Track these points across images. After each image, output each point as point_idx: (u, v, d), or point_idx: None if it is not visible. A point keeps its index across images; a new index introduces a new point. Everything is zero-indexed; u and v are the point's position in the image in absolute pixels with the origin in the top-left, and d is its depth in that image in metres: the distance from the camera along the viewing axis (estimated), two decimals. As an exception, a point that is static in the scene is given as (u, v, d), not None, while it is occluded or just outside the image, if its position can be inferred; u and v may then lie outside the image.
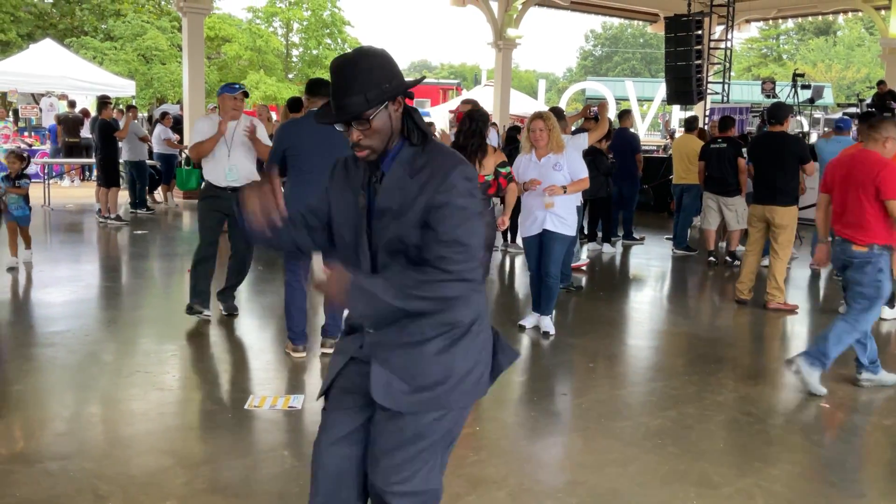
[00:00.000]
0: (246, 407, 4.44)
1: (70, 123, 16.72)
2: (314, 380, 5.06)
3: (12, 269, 7.94)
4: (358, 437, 2.23)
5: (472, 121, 5.74)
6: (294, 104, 9.36)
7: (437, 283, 2.04)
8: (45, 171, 14.38)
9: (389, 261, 2.13)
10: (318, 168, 5.14)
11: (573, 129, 8.54)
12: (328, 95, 5.64)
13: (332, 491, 2.24)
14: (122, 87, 19.94)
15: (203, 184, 6.24)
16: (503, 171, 5.79)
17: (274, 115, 13.51)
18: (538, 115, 6.11)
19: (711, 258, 9.65)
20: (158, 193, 14.40)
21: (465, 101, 6.30)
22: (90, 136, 15.38)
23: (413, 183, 2.08)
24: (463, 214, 2.05)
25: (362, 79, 2.04)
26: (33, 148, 17.30)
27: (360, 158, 2.13)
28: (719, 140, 9.28)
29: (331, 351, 5.32)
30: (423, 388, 2.13)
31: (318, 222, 2.32)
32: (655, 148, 20.73)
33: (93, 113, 17.08)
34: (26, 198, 8.16)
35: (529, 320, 6.31)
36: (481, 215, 2.16)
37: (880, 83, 15.75)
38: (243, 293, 7.61)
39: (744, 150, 9.19)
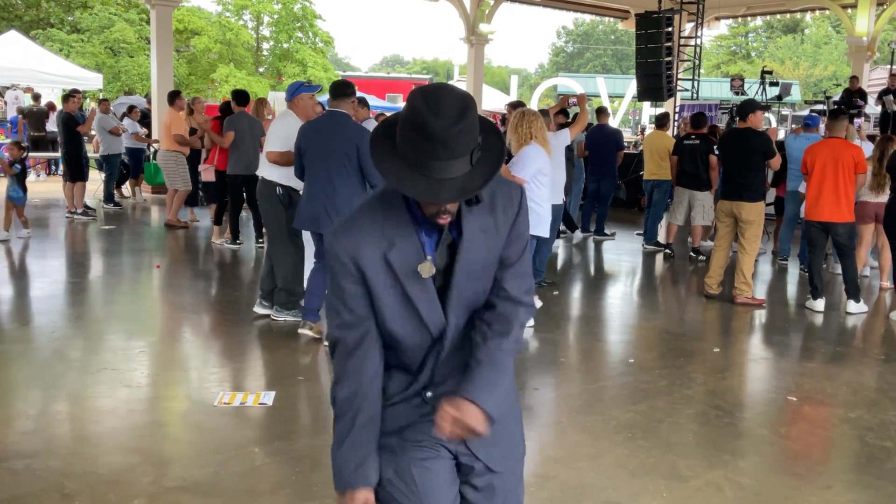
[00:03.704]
0: (216, 404, 4.40)
1: (35, 117, 16.43)
2: (285, 376, 5.03)
3: (3, 242, 9.07)
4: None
5: None
6: (239, 96, 9.31)
7: (524, 320, 1.95)
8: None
9: (463, 320, 1.91)
10: (318, 170, 5.32)
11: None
12: (352, 95, 5.69)
13: None
14: (89, 80, 19.63)
15: (279, 189, 5.93)
16: None
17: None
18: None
19: (668, 251, 9.80)
20: (126, 188, 14.22)
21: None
22: (56, 129, 15.13)
23: (491, 230, 1.86)
24: (525, 239, 1.94)
25: (472, 136, 1.67)
26: (-2, 141, 17.00)
27: (439, 224, 1.78)
28: (693, 136, 9.43)
29: (309, 332, 5.60)
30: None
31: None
32: (627, 144, 20.85)
33: (59, 106, 16.80)
34: (21, 182, 9.42)
35: None
36: None
37: (853, 78, 15.97)
38: (216, 288, 7.55)
39: (715, 146, 9.35)
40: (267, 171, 6.00)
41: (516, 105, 8.83)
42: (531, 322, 6.25)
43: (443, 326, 1.88)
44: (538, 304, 6.39)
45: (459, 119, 1.63)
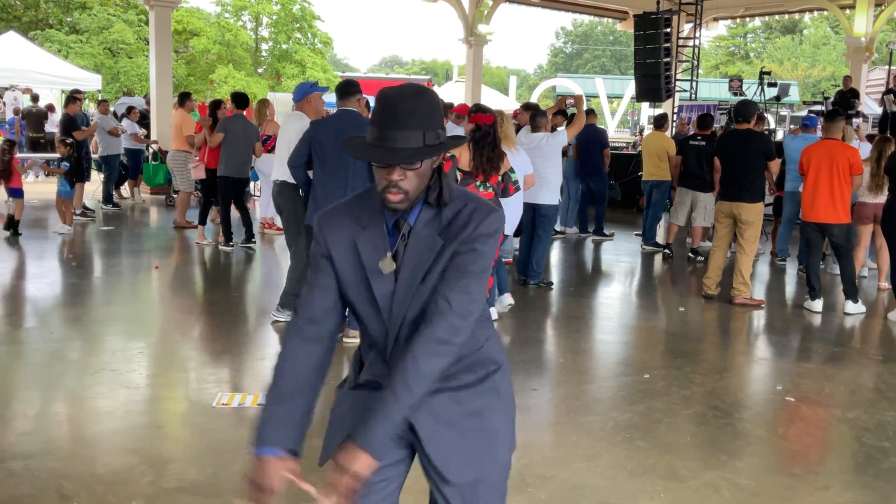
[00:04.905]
0: (214, 405, 4.40)
1: (34, 118, 16.44)
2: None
3: (60, 234, 9.89)
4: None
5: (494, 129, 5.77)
6: (239, 99, 9.29)
7: (444, 333, 1.85)
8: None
9: (412, 317, 1.91)
10: (333, 165, 5.38)
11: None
12: (358, 93, 5.80)
13: None
14: (88, 81, 19.62)
15: (302, 191, 5.98)
16: (513, 176, 5.82)
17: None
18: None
19: (667, 251, 9.79)
20: (125, 189, 14.21)
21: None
22: (55, 130, 15.15)
23: (439, 240, 1.88)
24: (483, 260, 1.89)
25: (424, 115, 1.81)
26: (-4, 142, 16.97)
27: (391, 204, 1.83)
28: (698, 137, 9.44)
29: (354, 341, 5.35)
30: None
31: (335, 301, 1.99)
32: (625, 145, 20.86)
33: (58, 107, 16.80)
34: (68, 177, 10.19)
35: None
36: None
37: (846, 78, 16.00)
38: (214, 289, 7.56)
39: None
40: (286, 173, 6.02)
41: (526, 107, 8.92)
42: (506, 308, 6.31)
43: (392, 320, 1.93)
44: (509, 301, 6.50)
45: (413, 97, 1.81)
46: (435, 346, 1.83)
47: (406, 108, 1.80)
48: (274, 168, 6.33)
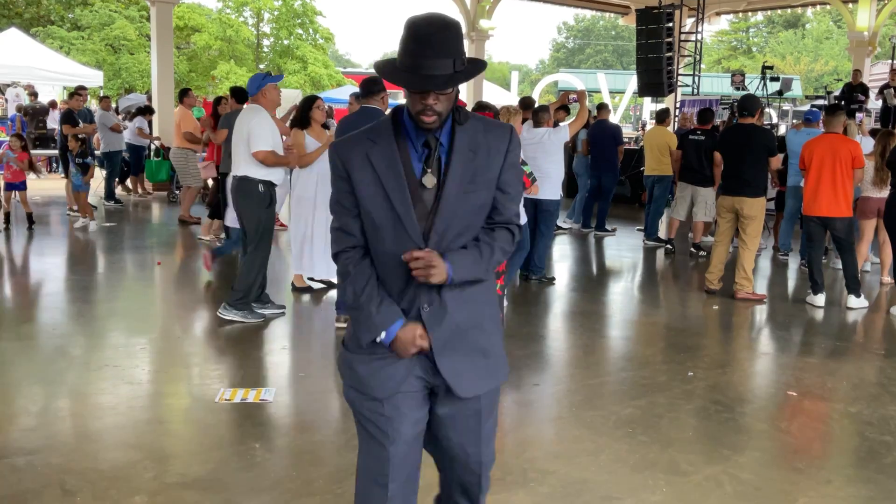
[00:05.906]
0: (217, 400, 4.41)
1: (35, 114, 16.42)
2: (286, 372, 5.04)
3: (83, 227, 10.23)
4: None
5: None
6: (239, 93, 9.23)
7: (511, 241, 2.26)
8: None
9: (451, 234, 2.14)
10: None
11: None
12: (382, 91, 5.87)
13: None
14: (90, 78, 19.56)
15: (262, 187, 5.80)
16: (526, 169, 5.79)
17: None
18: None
19: (669, 246, 9.76)
20: (127, 185, 14.21)
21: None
22: (56, 126, 15.14)
23: (482, 150, 2.16)
24: (519, 171, 2.29)
25: (454, 45, 2.03)
26: (-1, 139, 16.98)
27: (426, 125, 2.07)
28: (698, 132, 9.43)
29: (344, 325, 5.61)
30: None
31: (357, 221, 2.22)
32: (627, 140, 20.83)
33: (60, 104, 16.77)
34: (84, 172, 10.36)
35: None
36: None
37: (855, 72, 15.96)
38: (216, 285, 7.56)
39: None
40: (246, 168, 5.79)
41: (523, 102, 8.89)
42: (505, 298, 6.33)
43: (419, 229, 2.11)
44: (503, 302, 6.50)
45: (445, 29, 2.00)
46: (505, 249, 2.24)
47: (439, 38, 2.00)
48: (234, 163, 5.93)
